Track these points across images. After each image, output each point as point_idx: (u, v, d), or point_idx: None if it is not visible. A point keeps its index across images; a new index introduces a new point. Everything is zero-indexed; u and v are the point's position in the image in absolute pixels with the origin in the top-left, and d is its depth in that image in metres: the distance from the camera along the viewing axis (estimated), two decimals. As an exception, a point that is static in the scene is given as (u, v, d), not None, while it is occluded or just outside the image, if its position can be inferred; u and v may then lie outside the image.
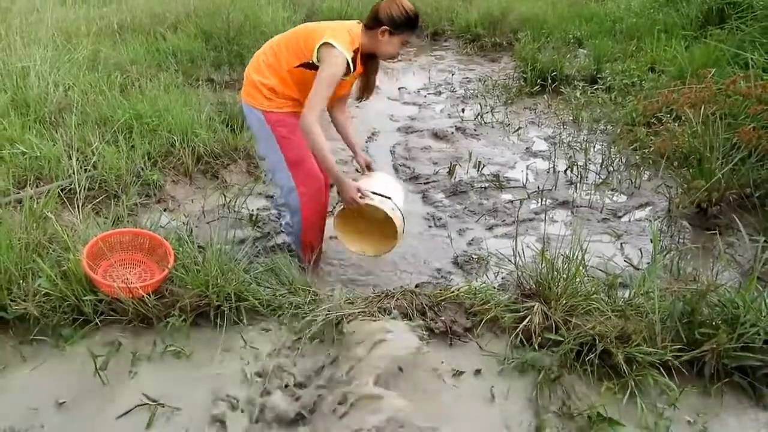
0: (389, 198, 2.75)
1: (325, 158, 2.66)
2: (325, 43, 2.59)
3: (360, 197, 2.70)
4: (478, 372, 2.27)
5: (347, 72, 2.63)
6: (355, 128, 4.77)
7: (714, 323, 2.24)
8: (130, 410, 2.08)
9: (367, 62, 2.86)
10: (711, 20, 5.98)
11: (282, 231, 3.40)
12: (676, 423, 2.04)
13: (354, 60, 2.67)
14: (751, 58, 4.26)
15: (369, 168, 3.05)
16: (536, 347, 2.30)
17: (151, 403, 2.10)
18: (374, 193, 2.73)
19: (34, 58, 4.66)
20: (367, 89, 2.99)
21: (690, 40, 5.76)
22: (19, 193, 3.25)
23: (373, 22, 2.72)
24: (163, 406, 2.08)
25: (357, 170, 3.41)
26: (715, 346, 2.15)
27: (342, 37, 2.62)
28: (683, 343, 2.21)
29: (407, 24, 2.71)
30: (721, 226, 3.36)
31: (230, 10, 6.62)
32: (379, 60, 2.89)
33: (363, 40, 2.74)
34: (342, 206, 2.82)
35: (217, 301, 2.46)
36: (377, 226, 2.91)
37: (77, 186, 3.24)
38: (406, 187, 4.07)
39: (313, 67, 2.67)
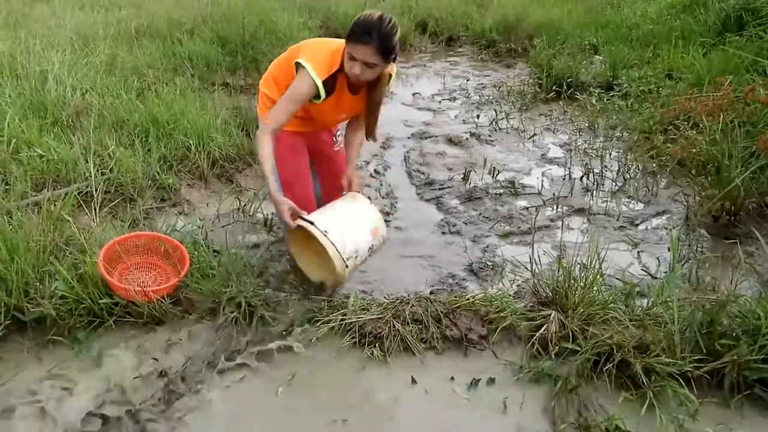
0: (335, 231, 2.43)
1: (265, 172, 2.51)
2: (297, 63, 2.48)
3: (293, 218, 2.47)
4: (493, 380, 2.25)
5: (317, 95, 2.49)
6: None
7: (734, 334, 2.21)
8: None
9: (367, 94, 2.64)
10: (729, 27, 5.91)
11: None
12: (696, 435, 2.01)
13: (329, 83, 2.49)
14: (771, 66, 4.22)
15: (350, 187, 2.72)
16: (553, 356, 2.28)
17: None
18: (313, 220, 2.45)
19: (52, 62, 4.70)
20: (368, 130, 2.75)
21: (708, 47, 5.70)
22: (36, 195, 3.27)
23: None
24: None
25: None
26: (735, 357, 2.13)
27: (318, 58, 2.47)
28: (703, 354, 2.18)
29: (351, 31, 2.38)
30: (740, 236, 3.31)
31: (246, 15, 6.65)
32: (378, 95, 2.61)
33: None
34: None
35: (231, 306, 2.46)
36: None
37: (94, 189, 3.26)
38: (422, 192, 4.06)
39: None
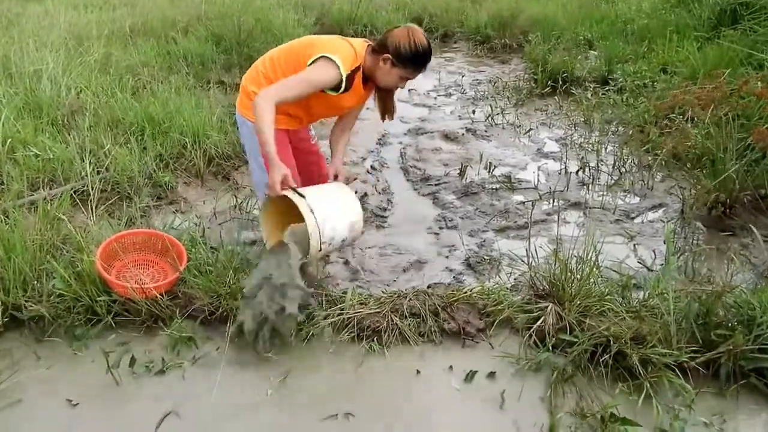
0: (323, 209, 2.42)
1: (266, 138, 2.35)
2: (323, 57, 2.45)
3: (283, 187, 2.39)
4: (491, 372, 2.26)
5: (337, 88, 2.50)
6: (368, 134, 4.88)
7: (730, 325, 2.23)
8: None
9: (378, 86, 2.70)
10: (723, 21, 5.93)
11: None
12: (691, 425, 2.03)
13: (350, 78, 2.51)
14: (765, 59, 4.23)
15: (336, 178, 2.74)
16: (550, 348, 2.29)
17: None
18: (304, 194, 2.41)
19: (47, 61, 4.69)
20: (387, 111, 2.80)
21: (702, 41, 5.72)
22: (32, 195, 3.27)
23: (379, 47, 2.54)
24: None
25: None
26: (731, 347, 2.14)
27: (342, 53, 2.48)
28: (699, 344, 2.20)
29: (412, 60, 2.51)
30: (735, 228, 3.33)
31: (241, 13, 6.64)
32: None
33: (366, 62, 2.58)
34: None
35: (228, 303, 2.47)
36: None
37: (90, 188, 3.26)
38: (418, 188, 4.07)
39: None
